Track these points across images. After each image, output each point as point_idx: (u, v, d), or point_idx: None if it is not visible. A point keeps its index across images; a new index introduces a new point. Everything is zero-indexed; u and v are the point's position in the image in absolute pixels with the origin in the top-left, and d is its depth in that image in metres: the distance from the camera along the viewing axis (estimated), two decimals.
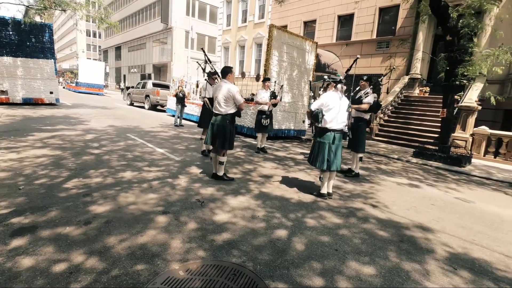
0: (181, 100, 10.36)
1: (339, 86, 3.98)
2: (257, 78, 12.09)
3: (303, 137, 10.74)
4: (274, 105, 6.93)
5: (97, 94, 27.26)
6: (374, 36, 14.28)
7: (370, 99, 5.19)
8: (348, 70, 5.22)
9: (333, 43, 15.89)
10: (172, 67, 27.64)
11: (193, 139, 8.17)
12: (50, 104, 13.76)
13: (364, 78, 5.44)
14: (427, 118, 11.01)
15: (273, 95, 6.78)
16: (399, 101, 12.62)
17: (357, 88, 5.45)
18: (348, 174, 5.53)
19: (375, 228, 3.26)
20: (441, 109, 8.02)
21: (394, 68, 8.96)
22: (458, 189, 5.36)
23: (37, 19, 14.07)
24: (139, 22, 33.64)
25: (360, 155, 5.45)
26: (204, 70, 5.48)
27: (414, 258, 2.69)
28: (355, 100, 5.30)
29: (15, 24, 12.20)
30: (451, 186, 5.55)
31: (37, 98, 13.28)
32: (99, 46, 51.95)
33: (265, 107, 6.76)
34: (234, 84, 4.47)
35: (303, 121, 10.40)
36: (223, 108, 4.30)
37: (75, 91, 28.40)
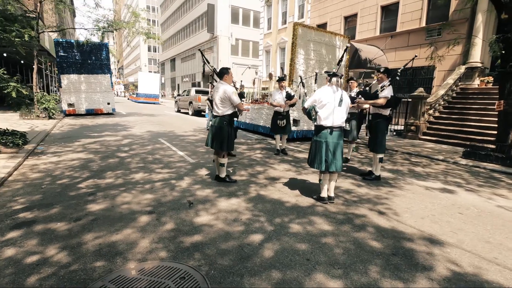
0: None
1: (334, 79, 3.65)
2: (270, 77, 11.83)
3: None
4: (292, 105, 6.64)
5: (154, 103, 29.87)
6: (423, 24, 12.83)
7: (387, 92, 4.63)
8: (406, 65, 4.81)
9: (376, 36, 14.77)
10: None
11: None
12: (108, 114, 15.50)
13: (381, 70, 4.89)
14: (488, 113, 9.43)
15: (288, 96, 6.50)
16: (454, 95, 11.08)
17: (374, 82, 4.92)
18: (367, 177, 5.01)
19: (369, 238, 2.87)
20: (497, 101, 6.78)
21: (440, 57, 7.85)
22: (508, 196, 4.44)
23: (94, 39, 16.03)
24: (189, 34, 35.96)
25: (380, 155, 4.89)
26: (203, 71, 5.56)
27: (400, 276, 2.29)
28: (370, 95, 4.80)
29: (78, 46, 14.07)
30: (500, 192, 4.63)
31: (97, 109, 15.09)
32: (158, 60, 56.96)
33: (281, 108, 6.55)
34: (232, 85, 4.44)
35: None
36: (220, 109, 4.29)
37: (136, 102, 31.62)
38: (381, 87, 4.69)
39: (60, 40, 14.34)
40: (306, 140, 9.25)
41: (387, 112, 4.83)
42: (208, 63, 4.83)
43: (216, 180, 4.57)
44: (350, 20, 16.49)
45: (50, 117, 12.22)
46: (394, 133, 11.17)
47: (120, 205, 3.51)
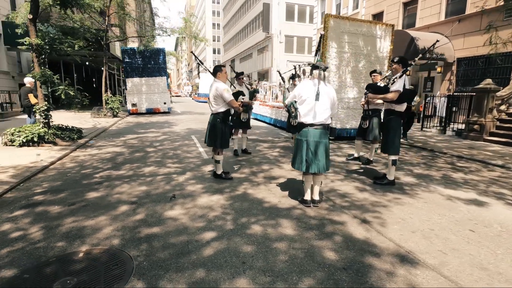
0: None
1: (315, 72, 3.33)
2: (304, 73, 11.17)
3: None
4: None
5: None
6: (502, 1, 10.65)
7: (398, 86, 4.02)
8: (425, 52, 4.29)
9: (440, 22, 12.87)
10: (272, 72, 28.91)
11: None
12: (164, 112, 17.04)
13: (395, 60, 4.27)
14: None
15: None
16: None
17: (388, 74, 4.32)
18: (378, 181, 4.46)
19: (328, 248, 2.58)
20: None
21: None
22: None
23: (154, 45, 17.74)
24: (247, 35, 36.95)
25: (393, 157, 4.29)
26: (198, 72, 5.64)
27: None
28: (380, 89, 4.24)
29: (140, 52, 15.81)
30: None
31: (155, 108, 16.74)
32: (220, 61, 60.07)
33: None
34: (228, 83, 4.46)
35: None
36: (214, 107, 4.35)
37: (197, 101, 34.04)
38: (393, 80, 4.11)
39: (126, 48, 16.34)
40: (339, 140, 8.66)
41: (401, 107, 4.21)
42: (202, 64, 4.94)
43: (213, 176, 4.66)
44: (410, 7, 14.72)
45: (114, 116, 14.06)
46: (454, 133, 9.62)
47: (114, 194, 3.87)
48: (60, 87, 6.57)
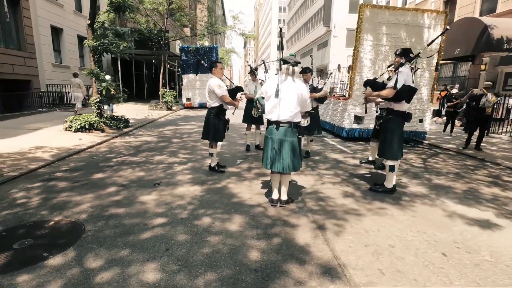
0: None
1: (284, 67, 3.17)
2: (338, 68, 10.24)
3: (424, 141, 8.17)
4: (320, 101, 5.70)
5: None
6: None
7: (399, 81, 3.53)
8: (429, 44, 3.90)
9: None
10: (330, 68, 27.74)
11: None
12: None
13: (397, 52, 3.74)
14: None
15: (313, 90, 5.38)
16: None
17: (389, 68, 3.81)
18: (373, 188, 4.01)
19: (258, 248, 2.50)
20: None
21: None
22: None
23: (206, 43, 18.78)
24: (308, 30, 36.12)
25: (391, 162, 3.80)
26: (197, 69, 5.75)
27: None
28: (376, 85, 3.77)
29: (194, 50, 16.98)
30: None
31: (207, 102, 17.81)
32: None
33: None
34: (221, 78, 4.57)
35: (420, 120, 7.89)
36: (208, 102, 4.53)
37: None
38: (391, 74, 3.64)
39: (183, 46, 17.74)
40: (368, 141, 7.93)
41: (401, 107, 3.70)
42: (201, 61, 5.11)
43: (208, 168, 4.85)
44: None
45: (169, 109, 15.50)
46: None
47: (113, 177, 4.38)
48: (103, 84, 7.60)
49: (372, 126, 7.70)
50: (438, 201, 3.72)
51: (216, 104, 4.48)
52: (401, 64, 3.62)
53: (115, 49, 7.97)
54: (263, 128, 6.63)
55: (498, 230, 2.99)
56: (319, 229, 2.87)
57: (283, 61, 3.20)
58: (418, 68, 4.87)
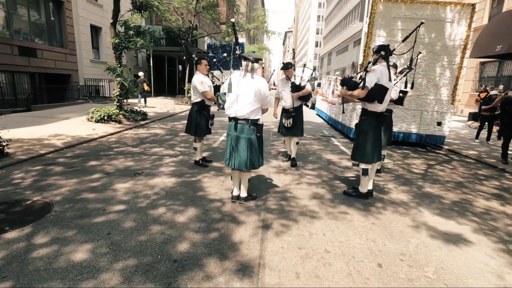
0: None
1: (243, 63, 3.16)
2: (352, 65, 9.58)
3: (443, 146, 7.53)
4: (304, 99, 4.96)
5: None
6: None
7: (369, 80, 3.32)
8: (405, 40, 3.71)
9: None
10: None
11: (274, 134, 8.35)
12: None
13: (374, 49, 3.50)
14: None
15: (295, 88, 4.76)
16: None
17: (368, 65, 3.56)
18: (347, 191, 3.83)
19: (191, 241, 2.57)
20: None
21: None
22: None
23: (242, 40, 18.97)
24: (344, 27, 34.78)
25: (363, 166, 3.59)
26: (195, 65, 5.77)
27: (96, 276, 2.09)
28: (350, 84, 3.56)
29: (221, 47, 17.34)
30: None
31: None
32: (319, 54, 58.55)
33: (287, 103, 4.93)
34: (206, 74, 4.67)
35: (438, 123, 7.26)
36: (192, 97, 4.68)
37: None
38: (365, 74, 3.43)
39: (211, 43, 18.20)
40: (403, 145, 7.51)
41: (375, 107, 3.47)
42: (191, 55, 5.20)
43: (194, 162, 5.00)
44: None
45: None
46: None
47: (104, 165, 4.73)
48: (118, 78, 8.15)
49: (404, 130, 7.30)
50: (414, 211, 3.45)
51: (198, 100, 4.60)
52: (374, 62, 3.40)
53: (132, 46, 8.50)
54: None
55: (463, 247, 2.71)
56: (262, 228, 2.86)
57: (243, 58, 3.20)
58: (412, 68, 4.51)
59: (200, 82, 4.47)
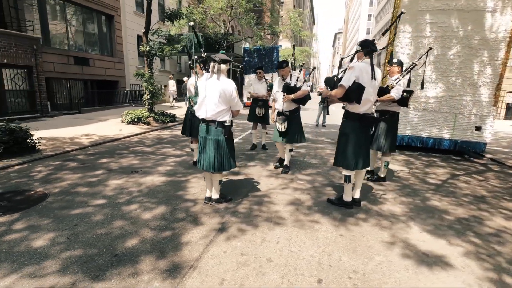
0: (323, 99, 10.10)
1: (211, 65, 3.14)
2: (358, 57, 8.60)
3: (484, 154, 6.54)
4: (301, 101, 4.58)
5: None
6: None
7: (346, 78, 3.03)
8: (385, 33, 3.41)
9: None
10: None
11: None
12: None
13: (359, 44, 3.16)
14: None
15: (287, 89, 4.38)
16: None
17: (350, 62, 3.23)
18: (331, 199, 3.54)
19: (141, 237, 2.64)
20: None
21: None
22: None
23: (286, 44, 18.98)
24: None
25: (345, 172, 3.29)
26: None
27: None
28: (331, 83, 3.28)
29: (257, 51, 17.54)
30: None
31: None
32: None
33: (279, 105, 4.58)
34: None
35: (477, 128, 6.32)
36: (185, 99, 4.81)
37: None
38: (341, 71, 3.15)
39: (246, 47, 18.52)
40: (411, 150, 6.83)
41: (355, 108, 3.15)
42: (191, 56, 5.30)
43: (192, 163, 5.13)
44: None
45: None
46: None
47: (112, 163, 5.13)
48: (144, 84, 8.76)
49: (408, 132, 6.64)
50: (401, 225, 3.05)
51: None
52: (351, 59, 3.11)
53: (160, 53, 9.09)
54: (268, 127, 6.52)
55: (438, 271, 2.31)
56: (217, 231, 2.81)
57: (212, 59, 3.20)
58: (416, 64, 4.02)
59: (192, 85, 4.58)
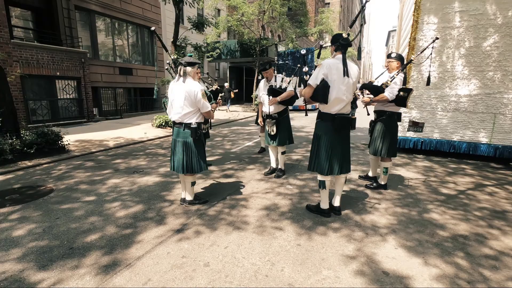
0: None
1: (178, 68, 3.20)
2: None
3: None
4: (287, 103, 4.39)
5: None
6: None
7: (314, 76, 2.81)
8: (351, 26, 3.15)
9: None
10: None
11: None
12: (310, 110, 17.72)
13: (331, 39, 2.89)
14: None
15: (271, 91, 4.19)
16: None
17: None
18: (310, 206, 3.30)
19: (110, 236, 2.79)
20: None
21: None
22: None
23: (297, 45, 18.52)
24: None
25: (320, 177, 3.03)
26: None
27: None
28: (304, 81, 3.05)
29: (291, 54, 17.35)
30: None
31: (300, 105, 17.81)
32: None
33: (266, 108, 4.45)
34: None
35: None
36: None
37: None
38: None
39: (280, 51, 18.43)
40: (439, 155, 6.08)
41: (329, 108, 2.90)
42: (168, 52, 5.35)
43: None
44: None
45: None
46: None
47: (123, 163, 5.53)
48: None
49: (436, 135, 5.92)
50: (376, 239, 2.72)
51: None
52: (318, 55, 2.89)
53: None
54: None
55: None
56: (174, 232, 2.83)
57: (179, 62, 3.27)
58: (412, 60, 3.55)
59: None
